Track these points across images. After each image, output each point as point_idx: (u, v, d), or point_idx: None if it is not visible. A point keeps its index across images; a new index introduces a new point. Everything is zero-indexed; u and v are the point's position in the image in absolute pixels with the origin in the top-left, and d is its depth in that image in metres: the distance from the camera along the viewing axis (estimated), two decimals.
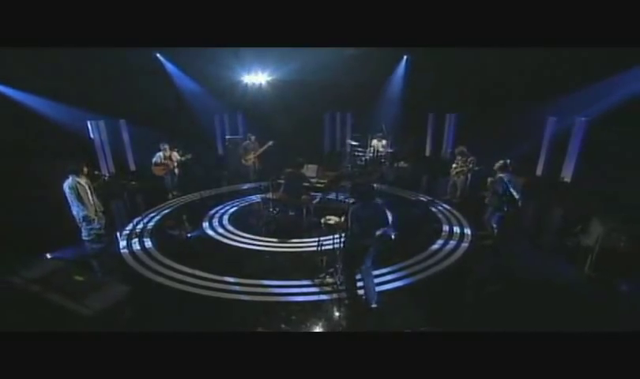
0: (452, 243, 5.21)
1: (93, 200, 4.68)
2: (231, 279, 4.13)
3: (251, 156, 8.24)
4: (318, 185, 6.30)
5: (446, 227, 5.79)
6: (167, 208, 6.73)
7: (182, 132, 8.89)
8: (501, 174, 4.95)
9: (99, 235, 4.84)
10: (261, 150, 8.28)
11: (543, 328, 3.23)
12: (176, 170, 7.11)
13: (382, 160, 9.82)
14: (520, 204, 4.98)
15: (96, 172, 4.90)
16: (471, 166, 6.70)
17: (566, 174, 7.62)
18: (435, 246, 5.09)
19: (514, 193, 4.90)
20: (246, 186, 8.27)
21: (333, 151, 11.78)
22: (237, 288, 3.97)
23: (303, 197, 5.78)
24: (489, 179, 5.21)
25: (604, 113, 6.77)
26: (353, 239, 3.48)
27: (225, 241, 5.31)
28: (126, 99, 7.94)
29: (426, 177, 9.39)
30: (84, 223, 4.61)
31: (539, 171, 8.20)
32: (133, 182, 5.31)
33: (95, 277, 3.34)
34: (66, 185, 4.46)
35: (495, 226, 5.19)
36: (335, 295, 3.81)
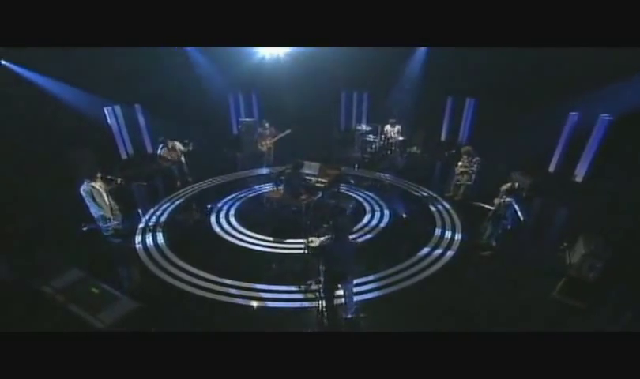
0: (439, 250, 5.41)
1: (109, 201, 5.28)
2: (229, 281, 4.69)
3: (267, 142, 8.58)
4: (319, 184, 6.51)
5: (437, 231, 6.03)
6: (180, 198, 7.31)
7: (193, 113, 9.25)
8: (508, 198, 5.00)
9: (117, 231, 5.52)
10: (278, 137, 8.57)
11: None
12: (183, 160, 7.59)
13: (393, 147, 9.87)
14: (522, 220, 5.09)
15: (109, 177, 5.42)
16: (475, 167, 6.79)
17: (579, 174, 7.42)
18: (424, 251, 5.35)
19: (520, 216, 5.03)
20: (258, 172, 8.80)
21: (348, 130, 11.65)
22: (233, 291, 4.51)
23: (302, 197, 6.08)
24: (496, 201, 5.25)
25: (631, 112, 6.37)
26: (329, 270, 3.80)
27: (227, 237, 5.85)
28: (139, 81, 8.28)
29: (437, 166, 9.38)
30: (101, 222, 5.29)
31: (551, 168, 8.00)
32: (145, 184, 5.94)
33: (110, 287, 3.91)
34: (82, 189, 5.07)
35: (495, 243, 5.33)
36: (316, 304, 4.21)
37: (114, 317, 3.32)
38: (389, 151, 9.95)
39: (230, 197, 7.41)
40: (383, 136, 9.81)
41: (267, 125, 8.62)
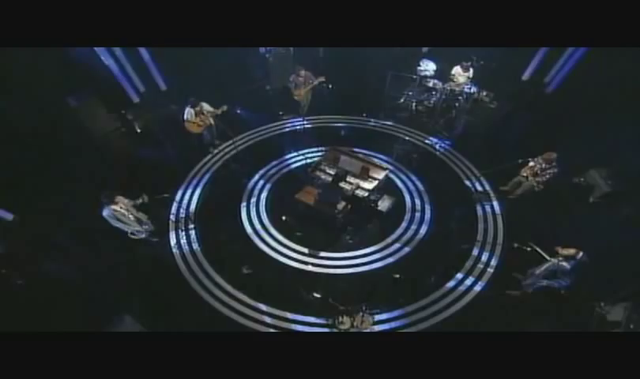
0: (469, 281, 5.59)
1: (135, 216, 5.34)
2: (264, 307, 5.26)
3: (301, 91, 7.86)
4: (360, 192, 6.11)
5: (475, 251, 5.99)
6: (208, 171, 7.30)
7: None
8: (565, 263, 4.72)
9: (152, 232, 5.79)
10: (312, 86, 7.77)
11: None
12: (212, 123, 7.11)
13: (458, 103, 8.27)
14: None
15: (127, 201, 5.31)
16: (547, 177, 6.00)
17: None
18: (452, 282, 5.55)
19: (569, 280, 4.86)
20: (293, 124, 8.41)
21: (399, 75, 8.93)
22: (268, 320, 5.11)
23: (338, 207, 5.92)
24: (551, 261, 4.93)
25: None
26: None
27: (260, 245, 6.10)
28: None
29: (506, 125, 8.03)
30: (135, 235, 5.49)
31: None
32: (166, 195, 6.03)
33: None
34: (105, 215, 5.09)
35: (531, 291, 5.29)
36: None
37: None
38: (455, 106, 8.34)
39: (262, 173, 7.36)
40: (449, 84, 8.03)
41: (302, 72, 7.61)
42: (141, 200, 5.42)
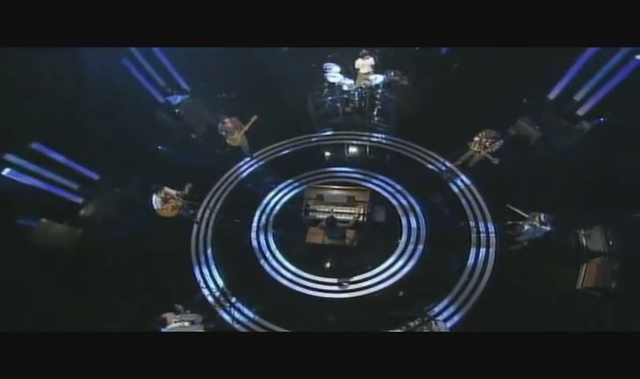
0: (482, 251, 6.35)
1: (187, 320, 5.38)
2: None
3: (236, 136, 7.55)
4: (358, 218, 6.44)
5: (472, 224, 6.71)
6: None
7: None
8: (544, 227, 5.51)
9: (204, 322, 5.66)
10: (247, 127, 7.50)
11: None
12: (183, 202, 6.75)
13: (377, 94, 8.59)
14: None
15: (177, 316, 5.29)
16: (495, 148, 6.59)
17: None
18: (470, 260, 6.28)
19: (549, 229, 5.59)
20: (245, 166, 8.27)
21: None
22: None
23: (348, 238, 6.34)
24: (522, 226, 5.81)
25: None
26: None
27: (300, 289, 6.30)
28: None
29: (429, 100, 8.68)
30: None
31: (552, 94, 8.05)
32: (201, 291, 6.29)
33: None
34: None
35: (526, 244, 6.09)
36: None
37: None
38: (377, 97, 8.63)
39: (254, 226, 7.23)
40: (360, 81, 8.19)
41: (227, 119, 7.39)
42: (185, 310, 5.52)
